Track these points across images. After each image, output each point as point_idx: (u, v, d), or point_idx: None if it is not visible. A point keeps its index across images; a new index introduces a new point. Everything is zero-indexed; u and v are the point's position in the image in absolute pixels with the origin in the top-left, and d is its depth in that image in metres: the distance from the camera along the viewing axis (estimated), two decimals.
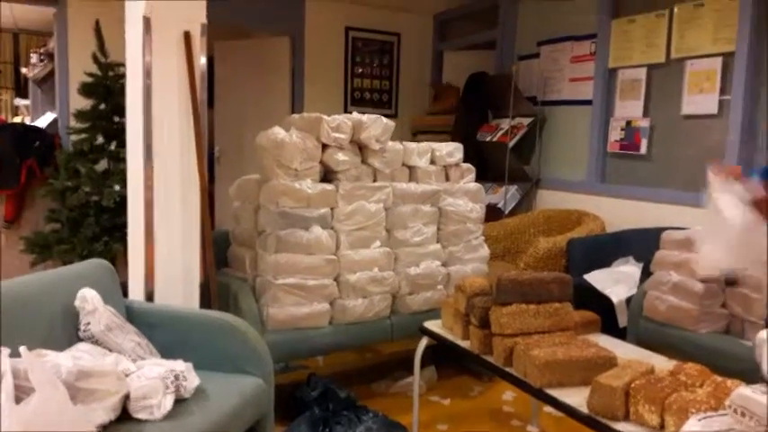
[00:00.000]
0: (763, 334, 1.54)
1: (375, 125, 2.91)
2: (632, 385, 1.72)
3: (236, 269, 3.07)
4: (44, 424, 1.36)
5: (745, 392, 1.42)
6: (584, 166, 4.42)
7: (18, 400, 1.44)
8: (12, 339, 1.62)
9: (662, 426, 1.64)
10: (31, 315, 1.95)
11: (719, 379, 1.69)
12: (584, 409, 1.78)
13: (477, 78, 5.02)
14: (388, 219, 3.02)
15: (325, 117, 2.84)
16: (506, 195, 4.62)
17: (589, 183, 4.38)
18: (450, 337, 2.43)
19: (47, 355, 1.76)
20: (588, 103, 4.36)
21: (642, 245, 3.46)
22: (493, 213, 4.39)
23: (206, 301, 2.69)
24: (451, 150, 3.28)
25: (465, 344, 2.34)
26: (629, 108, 4.12)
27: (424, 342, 2.53)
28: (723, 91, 3.55)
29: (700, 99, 3.67)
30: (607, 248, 3.84)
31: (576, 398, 1.84)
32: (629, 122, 4.12)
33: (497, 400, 3.19)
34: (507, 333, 2.11)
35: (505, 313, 2.11)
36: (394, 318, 3.07)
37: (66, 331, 2.05)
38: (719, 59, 3.56)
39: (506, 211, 4.59)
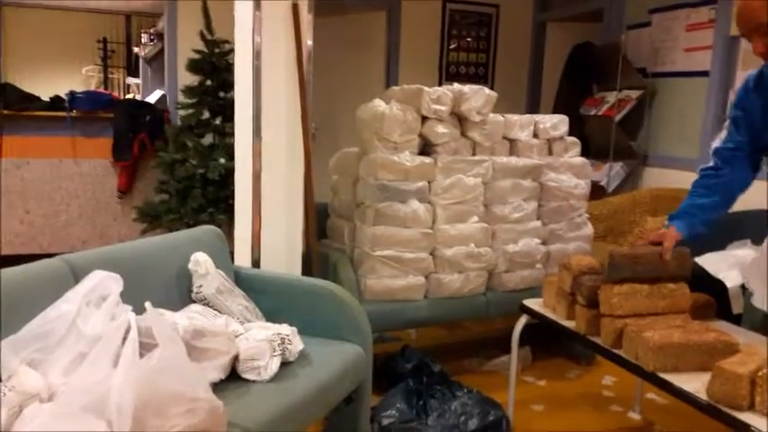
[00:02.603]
0: None
1: (476, 96, 2.84)
2: (759, 373, 1.59)
3: (335, 240, 3.12)
4: (166, 377, 1.43)
5: None
6: (698, 142, 4.12)
7: (140, 355, 1.53)
8: (132, 299, 1.72)
9: None
10: (149, 276, 2.07)
11: None
12: (704, 396, 1.66)
13: (581, 49, 4.80)
14: (486, 193, 2.95)
15: (425, 89, 2.80)
16: (610, 173, 4.41)
17: (703, 160, 4.06)
18: (552, 316, 2.35)
19: (164, 314, 1.86)
20: (705, 74, 4.05)
21: (761, 227, 3.19)
22: (595, 191, 4.19)
23: (307, 270, 2.76)
24: (556, 123, 3.15)
25: (569, 324, 2.25)
26: None
27: (522, 320, 2.47)
28: None
29: None
30: (721, 230, 3.54)
31: (694, 384, 1.72)
32: None
33: (596, 385, 3.08)
34: (617, 314, 2.01)
35: (616, 293, 2.01)
36: (489, 294, 3.02)
37: (180, 293, 2.16)
38: None
39: (610, 190, 4.38)
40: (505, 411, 2.52)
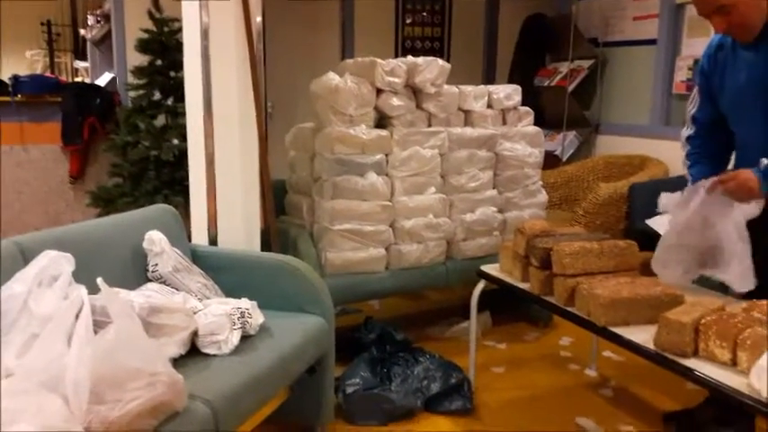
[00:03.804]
0: (763, 361, 1.46)
1: (430, 68, 2.86)
2: (702, 321, 1.67)
3: (294, 216, 3.12)
4: (122, 353, 1.43)
5: None
6: (648, 109, 4.24)
7: (94, 333, 1.51)
8: (86, 279, 1.69)
9: (734, 362, 1.59)
10: (103, 256, 2.03)
11: None
12: (651, 346, 1.74)
13: (534, 21, 4.84)
14: (443, 164, 2.98)
15: (379, 61, 2.80)
16: (564, 142, 4.50)
17: (652, 126, 4.21)
18: (508, 279, 2.41)
19: (119, 292, 1.84)
20: (653, 42, 4.16)
21: None
22: (550, 161, 4.29)
23: (267, 247, 2.75)
24: (509, 93, 3.19)
25: (524, 286, 2.31)
26: (698, 46, 3.89)
27: (480, 285, 2.53)
28: None
29: None
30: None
31: (643, 335, 1.80)
32: (696, 61, 3.90)
33: (554, 345, 3.18)
34: (569, 273, 2.07)
35: (568, 253, 2.07)
36: (449, 263, 3.07)
37: (136, 272, 2.13)
38: None
39: (564, 158, 4.48)
40: (467, 374, 2.58)
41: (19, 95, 4.39)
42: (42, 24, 8.08)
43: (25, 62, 8.01)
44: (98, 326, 1.55)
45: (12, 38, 7.96)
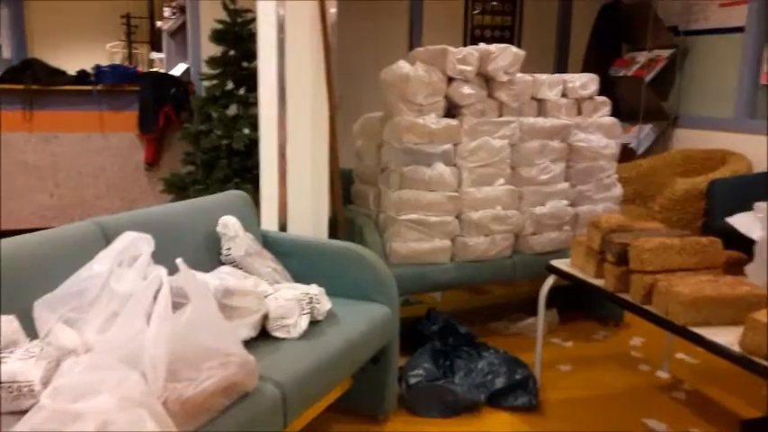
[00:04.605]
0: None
1: (504, 55, 2.79)
2: None
3: (360, 206, 3.12)
4: (198, 332, 1.46)
5: None
6: (732, 101, 4.01)
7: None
8: (163, 260, 1.74)
9: None
10: (179, 239, 2.10)
11: None
12: (736, 348, 1.64)
13: (610, 8, 4.66)
14: (513, 155, 2.92)
15: (451, 48, 2.75)
16: (640, 135, 4.32)
17: (736, 120, 3.98)
18: (580, 275, 2.33)
19: (195, 274, 1.89)
20: (740, 30, 3.92)
21: None
22: (624, 154, 4.13)
23: (333, 235, 2.77)
24: (585, 82, 3.08)
25: (598, 282, 2.23)
26: None
27: (550, 280, 2.46)
28: None
29: None
30: (754, 190, 3.48)
31: (727, 337, 1.70)
32: None
33: (624, 345, 3.07)
34: (648, 270, 1.98)
35: (647, 249, 1.98)
36: (516, 257, 3.00)
37: (210, 255, 2.19)
38: None
39: (639, 152, 4.30)
40: (532, 371, 2.52)
41: (100, 85, 4.59)
42: (122, 17, 8.43)
43: (105, 54, 8.38)
44: (175, 307, 1.59)
45: (93, 30, 8.35)
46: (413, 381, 2.40)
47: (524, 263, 2.99)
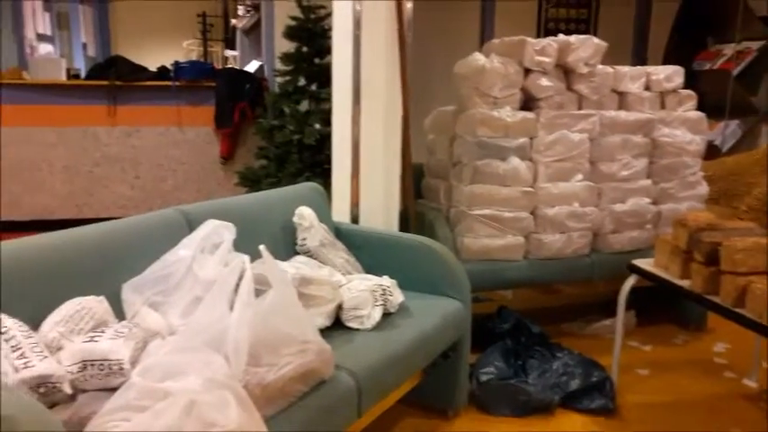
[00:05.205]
0: None
1: (584, 46, 2.70)
2: None
3: (430, 200, 3.10)
4: (278, 318, 1.48)
5: None
6: None
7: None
8: (241, 248, 1.78)
9: None
10: (256, 228, 2.13)
11: None
12: None
13: None
14: (592, 150, 2.82)
15: (529, 39, 2.69)
16: (725, 131, 4.10)
17: None
18: (665, 275, 2.22)
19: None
20: None
21: None
22: (708, 151, 3.91)
23: (404, 229, 2.76)
24: (670, 74, 2.95)
25: (684, 283, 2.12)
26: None
27: (631, 280, 2.36)
28: None
29: None
30: None
31: None
32: None
33: (707, 351, 2.92)
34: (740, 271, 1.87)
35: (741, 248, 1.86)
36: (594, 256, 2.90)
37: (286, 245, 2.22)
38: None
39: (724, 149, 4.08)
40: (609, 373, 2.43)
41: (179, 80, 4.76)
42: (198, 16, 8.73)
43: (182, 51, 8.71)
44: (255, 294, 1.62)
45: (171, 29, 8.69)
46: (484, 378, 2.36)
47: (602, 262, 2.88)
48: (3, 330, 1.34)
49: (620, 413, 2.38)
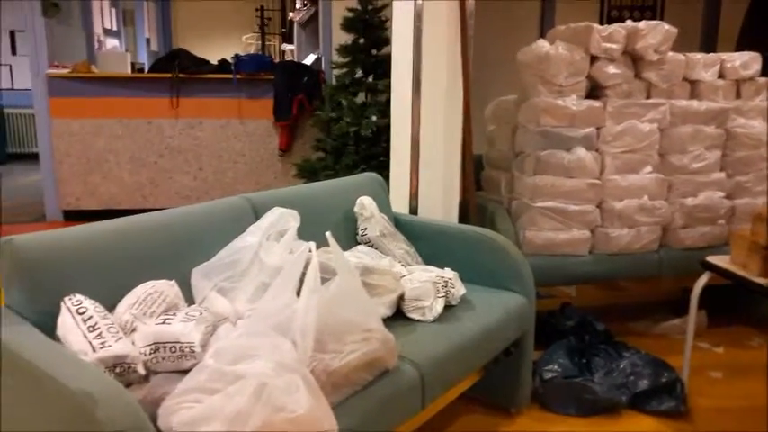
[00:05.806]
0: None
1: (654, 32, 2.59)
2: None
3: (490, 192, 3.05)
4: (343, 305, 1.48)
5: None
6: None
7: None
8: (305, 236, 1.79)
9: None
10: (319, 217, 2.14)
11: None
12: None
13: None
14: (662, 141, 2.71)
15: (595, 25, 2.60)
16: None
17: None
18: (742, 273, 2.11)
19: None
20: None
21: None
22: None
23: (464, 221, 2.72)
24: (746, 61, 2.80)
25: (763, 281, 2.01)
26: None
27: (704, 278, 2.25)
28: None
29: None
30: None
31: None
32: None
33: None
34: None
35: None
36: (663, 252, 2.80)
37: (347, 234, 2.23)
38: None
39: None
40: (679, 375, 2.33)
41: (239, 73, 4.84)
42: (256, 10, 8.88)
43: (241, 45, 8.88)
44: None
45: (230, 24, 8.87)
46: (548, 376, 2.30)
47: (672, 258, 2.77)
48: (81, 311, 1.38)
49: (690, 417, 2.28)
